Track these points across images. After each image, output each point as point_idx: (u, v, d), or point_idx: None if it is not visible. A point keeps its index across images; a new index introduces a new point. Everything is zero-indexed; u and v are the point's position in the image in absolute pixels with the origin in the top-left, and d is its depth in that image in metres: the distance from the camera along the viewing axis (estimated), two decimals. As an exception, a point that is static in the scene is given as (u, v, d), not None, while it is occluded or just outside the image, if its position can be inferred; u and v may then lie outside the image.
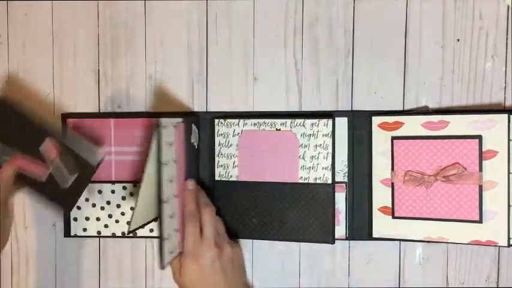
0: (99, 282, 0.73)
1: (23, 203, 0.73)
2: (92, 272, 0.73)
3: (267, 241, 0.70)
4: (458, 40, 0.67)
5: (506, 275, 0.67)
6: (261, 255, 0.71)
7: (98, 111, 0.72)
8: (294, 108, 0.70)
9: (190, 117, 0.69)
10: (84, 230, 0.71)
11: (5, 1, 0.73)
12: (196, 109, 0.71)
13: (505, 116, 0.61)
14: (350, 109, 0.69)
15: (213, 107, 0.71)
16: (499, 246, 0.61)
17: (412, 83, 0.68)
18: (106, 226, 0.71)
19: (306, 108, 0.69)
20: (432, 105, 0.68)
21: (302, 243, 0.70)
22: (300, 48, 0.69)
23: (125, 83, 0.72)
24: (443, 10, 0.67)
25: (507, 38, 0.67)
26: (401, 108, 0.68)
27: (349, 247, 0.70)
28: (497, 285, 0.67)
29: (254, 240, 0.71)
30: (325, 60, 0.69)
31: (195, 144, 0.69)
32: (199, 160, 0.70)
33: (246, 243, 0.71)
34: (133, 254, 0.72)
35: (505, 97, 0.67)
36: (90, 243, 0.73)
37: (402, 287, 0.69)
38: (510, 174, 0.61)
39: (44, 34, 0.72)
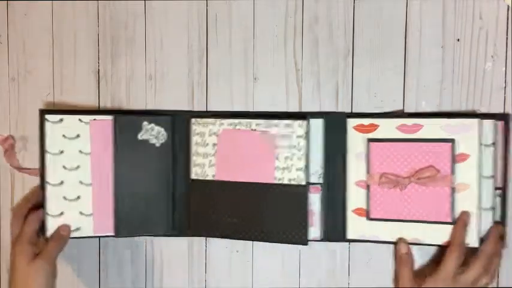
0: (99, 282, 0.73)
1: (23, 203, 0.73)
2: (92, 272, 0.73)
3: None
4: (458, 40, 0.67)
5: (506, 275, 0.67)
6: (261, 255, 0.71)
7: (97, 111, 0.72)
8: (294, 108, 0.70)
9: (135, 115, 0.69)
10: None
11: (5, 1, 0.73)
12: (196, 109, 0.71)
13: (476, 120, 0.61)
14: (350, 110, 0.69)
15: (213, 107, 0.71)
16: (470, 247, 0.62)
17: (412, 83, 0.68)
18: None
19: (306, 108, 0.69)
20: (432, 105, 0.67)
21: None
22: (300, 48, 0.69)
23: (124, 83, 0.72)
24: (443, 10, 0.67)
25: (507, 38, 0.67)
26: (401, 108, 0.68)
27: (349, 247, 0.70)
28: (497, 285, 0.67)
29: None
30: (325, 61, 0.69)
31: (155, 142, 0.69)
32: (174, 158, 0.70)
33: (245, 243, 0.71)
34: (133, 253, 0.72)
35: (505, 97, 0.67)
36: (90, 243, 0.73)
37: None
38: (481, 177, 0.62)
39: (44, 34, 0.72)
